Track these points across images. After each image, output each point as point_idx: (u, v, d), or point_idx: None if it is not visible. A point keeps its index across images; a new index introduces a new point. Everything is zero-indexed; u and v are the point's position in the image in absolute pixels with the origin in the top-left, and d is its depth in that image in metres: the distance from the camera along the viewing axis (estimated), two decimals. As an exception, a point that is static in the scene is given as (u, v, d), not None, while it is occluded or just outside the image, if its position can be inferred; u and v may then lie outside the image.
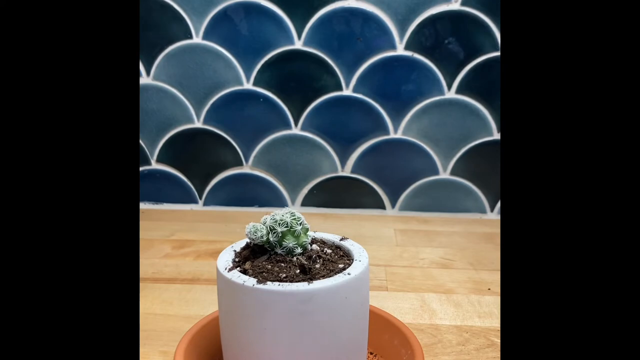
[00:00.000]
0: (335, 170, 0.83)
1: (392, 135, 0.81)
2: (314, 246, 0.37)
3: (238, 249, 0.37)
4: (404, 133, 0.81)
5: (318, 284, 0.31)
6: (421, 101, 0.79)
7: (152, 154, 0.84)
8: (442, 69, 0.77)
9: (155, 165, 0.85)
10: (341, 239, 0.39)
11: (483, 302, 0.54)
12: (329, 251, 0.37)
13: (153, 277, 0.59)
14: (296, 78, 0.79)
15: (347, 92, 0.79)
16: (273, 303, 0.31)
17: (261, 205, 0.86)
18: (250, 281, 0.32)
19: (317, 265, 0.34)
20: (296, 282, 0.32)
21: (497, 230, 0.77)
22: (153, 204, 0.87)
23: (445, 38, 0.76)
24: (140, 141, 0.84)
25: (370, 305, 0.40)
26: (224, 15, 0.77)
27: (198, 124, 0.82)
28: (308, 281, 0.32)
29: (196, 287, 0.57)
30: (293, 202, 0.86)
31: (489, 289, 0.57)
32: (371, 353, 0.42)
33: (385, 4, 0.75)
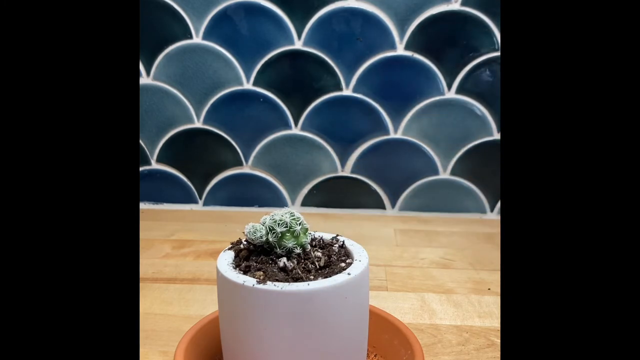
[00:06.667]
0: (335, 170, 0.83)
1: (392, 135, 0.81)
2: (319, 249, 0.37)
3: (238, 249, 0.37)
4: (404, 133, 0.81)
5: (318, 284, 0.31)
6: (421, 101, 0.79)
7: (152, 154, 0.84)
8: (442, 69, 0.77)
9: (155, 165, 0.85)
10: (341, 241, 0.39)
11: (483, 302, 0.54)
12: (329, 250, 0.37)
13: (153, 277, 0.59)
14: (296, 78, 0.79)
15: (347, 92, 0.79)
16: (273, 303, 0.31)
17: (261, 205, 0.86)
18: (250, 281, 0.32)
19: (317, 265, 0.34)
20: (295, 282, 0.32)
21: (497, 230, 0.77)
22: (153, 204, 0.87)
23: (445, 38, 0.76)
24: (140, 141, 0.84)
25: (370, 305, 0.40)
26: (224, 15, 0.77)
27: (198, 124, 0.82)
28: (308, 281, 0.32)
29: (196, 287, 0.57)
30: (293, 202, 0.86)
31: (489, 289, 0.57)
32: (371, 353, 0.42)
33: (385, 4, 0.75)
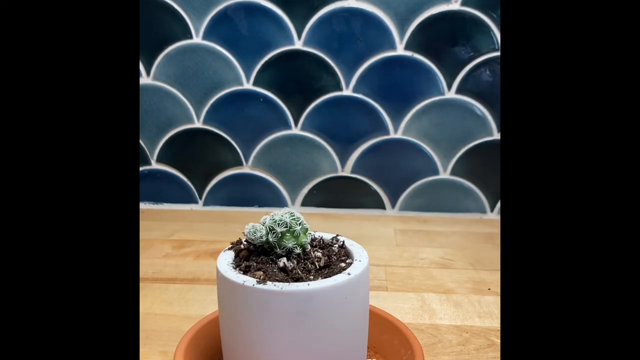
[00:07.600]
0: (335, 170, 0.83)
1: (392, 135, 0.81)
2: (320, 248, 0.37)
3: (238, 249, 0.37)
4: (404, 133, 0.81)
5: (318, 284, 0.31)
6: (421, 101, 0.79)
7: (152, 154, 0.84)
8: (442, 69, 0.77)
9: (155, 165, 0.85)
10: (341, 241, 0.39)
11: (483, 302, 0.54)
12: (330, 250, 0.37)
13: (153, 277, 0.59)
14: (296, 78, 0.79)
15: (347, 92, 0.79)
16: (273, 303, 0.31)
17: (261, 205, 0.86)
18: (250, 281, 0.32)
19: (317, 265, 0.34)
20: (295, 282, 0.32)
21: (497, 230, 0.77)
22: (153, 204, 0.87)
23: (445, 38, 0.76)
24: (140, 141, 0.84)
25: (370, 305, 0.40)
26: (224, 15, 0.77)
27: (198, 124, 0.82)
28: (308, 281, 0.32)
29: (196, 287, 0.57)
30: (293, 202, 0.86)
31: (489, 289, 0.57)
32: (371, 353, 0.42)
33: (385, 4, 0.75)
